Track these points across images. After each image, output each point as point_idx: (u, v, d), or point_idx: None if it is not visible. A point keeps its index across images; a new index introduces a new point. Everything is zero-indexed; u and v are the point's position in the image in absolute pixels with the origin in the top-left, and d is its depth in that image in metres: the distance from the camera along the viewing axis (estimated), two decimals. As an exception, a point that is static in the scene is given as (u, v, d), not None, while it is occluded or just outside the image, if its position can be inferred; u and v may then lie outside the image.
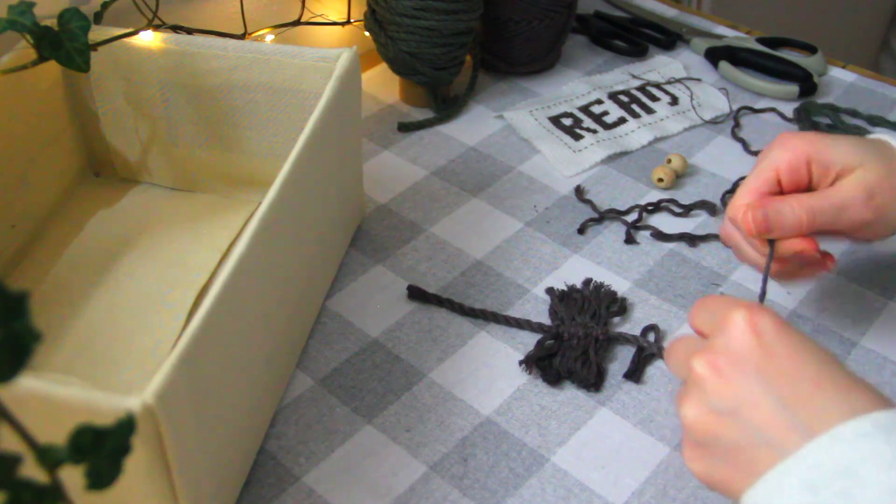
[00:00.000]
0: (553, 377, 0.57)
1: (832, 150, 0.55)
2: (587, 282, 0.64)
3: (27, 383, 0.37)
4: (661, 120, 0.81)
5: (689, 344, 0.46)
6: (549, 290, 0.63)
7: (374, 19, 0.77)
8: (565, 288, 0.63)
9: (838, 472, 0.38)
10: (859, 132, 0.78)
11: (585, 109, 0.81)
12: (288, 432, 0.55)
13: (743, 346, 0.42)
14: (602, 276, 0.65)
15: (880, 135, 0.57)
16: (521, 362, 0.58)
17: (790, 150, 0.55)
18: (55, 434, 0.28)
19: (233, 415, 0.48)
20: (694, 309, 0.48)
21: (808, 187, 0.56)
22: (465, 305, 0.62)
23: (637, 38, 0.91)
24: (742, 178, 0.66)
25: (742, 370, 0.42)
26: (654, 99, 0.83)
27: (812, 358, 0.42)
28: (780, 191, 0.56)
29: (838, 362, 0.42)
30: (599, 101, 0.82)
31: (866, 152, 0.55)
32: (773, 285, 0.65)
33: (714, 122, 0.81)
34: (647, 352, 0.59)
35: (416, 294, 0.63)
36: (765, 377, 0.41)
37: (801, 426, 0.40)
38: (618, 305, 0.62)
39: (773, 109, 0.82)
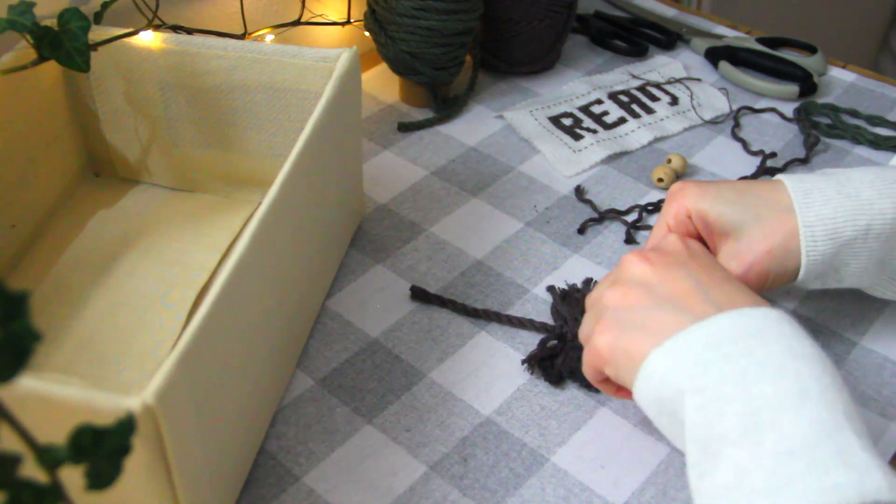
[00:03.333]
0: (555, 377, 0.57)
1: (711, 207, 0.55)
2: (587, 281, 0.63)
3: (27, 383, 0.37)
4: (661, 120, 0.81)
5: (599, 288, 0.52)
6: (551, 289, 0.63)
7: (374, 19, 0.77)
8: (566, 287, 0.63)
9: (744, 334, 0.43)
10: (859, 132, 0.78)
11: (585, 109, 0.81)
12: (288, 432, 0.55)
13: (672, 248, 0.50)
14: (602, 276, 0.65)
15: (781, 176, 0.57)
16: (523, 362, 0.58)
17: (675, 203, 0.57)
18: (55, 434, 0.28)
19: (233, 415, 0.48)
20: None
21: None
22: (468, 306, 0.62)
23: (637, 38, 0.91)
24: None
25: (667, 260, 0.48)
26: (654, 99, 0.83)
27: (729, 273, 0.49)
28: None
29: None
30: (599, 101, 0.82)
31: (745, 211, 0.55)
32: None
33: (714, 122, 0.81)
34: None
35: (420, 295, 0.63)
36: (687, 267, 0.48)
37: (714, 303, 0.45)
38: None
39: (773, 109, 0.82)
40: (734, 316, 0.44)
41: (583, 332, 0.52)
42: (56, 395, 0.37)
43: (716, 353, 0.43)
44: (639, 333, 0.46)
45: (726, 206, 0.55)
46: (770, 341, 0.43)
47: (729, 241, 0.55)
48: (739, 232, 0.55)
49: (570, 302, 0.61)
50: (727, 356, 0.42)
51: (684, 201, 0.56)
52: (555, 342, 0.59)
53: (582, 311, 0.60)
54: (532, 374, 0.58)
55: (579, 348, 0.58)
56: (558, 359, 0.58)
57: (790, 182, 0.55)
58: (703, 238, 0.57)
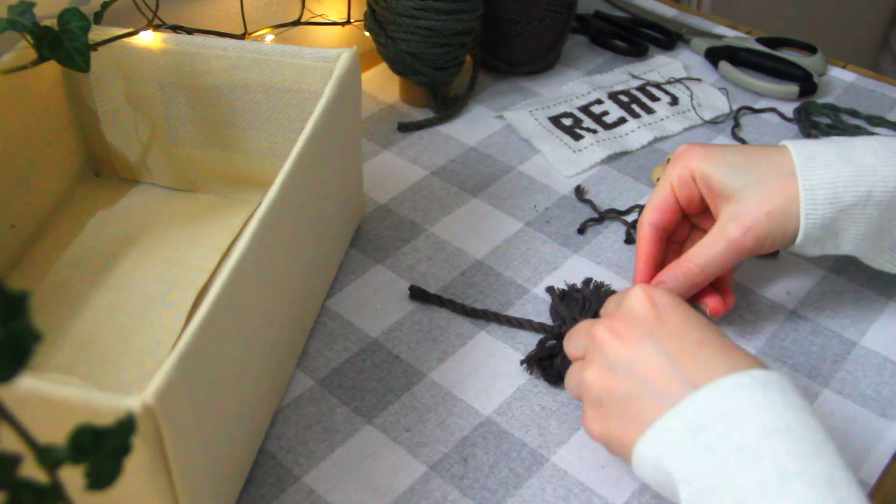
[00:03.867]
0: (554, 377, 0.57)
1: (715, 169, 0.56)
2: (587, 281, 0.63)
3: (27, 383, 0.37)
4: (661, 120, 0.81)
5: (589, 322, 0.51)
6: (550, 289, 0.63)
7: (374, 19, 0.77)
8: (565, 287, 0.63)
9: (718, 416, 0.42)
10: (859, 132, 0.78)
11: (585, 109, 0.81)
12: (288, 432, 0.55)
13: (639, 313, 0.47)
14: (602, 276, 0.65)
15: (786, 141, 0.58)
16: (522, 362, 0.58)
17: (682, 165, 0.58)
18: (55, 434, 0.28)
19: (233, 415, 0.48)
20: (607, 302, 0.53)
21: (703, 202, 0.59)
22: (467, 306, 0.62)
23: (637, 38, 0.91)
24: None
25: (637, 332, 0.47)
26: (654, 99, 0.83)
27: (699, 326, 0.47)
28: (677, 205, 0.59)
29: (722, 333, 0.47)
30: (599, 101, 0.82)
31: (748, 174, 0.56)
32: (773, 285, 0.65)
33: (714, 122, 0.81)
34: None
35: (418, 295, 0.63)
36: (656, 338, 0.46)
37: (687, 379, 0.44)
38: None
39: (773, 109, 0.82)
40: (708, 395, 0.43)
41: (570, 384, 0.52)
42: (56, 395, 0.37)
43: (695, 441, 0.42)
44: (624, 421, 0.46)
45: (730, 169, 0.56)
46: (745, 422, 0.42)
47: (730, 203, 0.56)
48: (740, 194, 0.56)
49: (569, 302, 0.61)
50: (706, 445, 0.42)
51: (689, 163, 0.57)
52: (553, 342, 0.59)
53: (581, 311, 0.61)
54: (531, 374, 0.58)
55: None
56: (557, 358, 0.58)
57: (794, 146, 0.56)
58: (703, 200, 0.59)
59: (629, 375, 0.46)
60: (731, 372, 0.43)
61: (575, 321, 0.59)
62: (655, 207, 0.60)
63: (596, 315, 0.61)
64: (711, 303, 0.59)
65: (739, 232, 0.55)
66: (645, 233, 0.60)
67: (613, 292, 0.63)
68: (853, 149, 0.56)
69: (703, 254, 0.57)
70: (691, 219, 0.62)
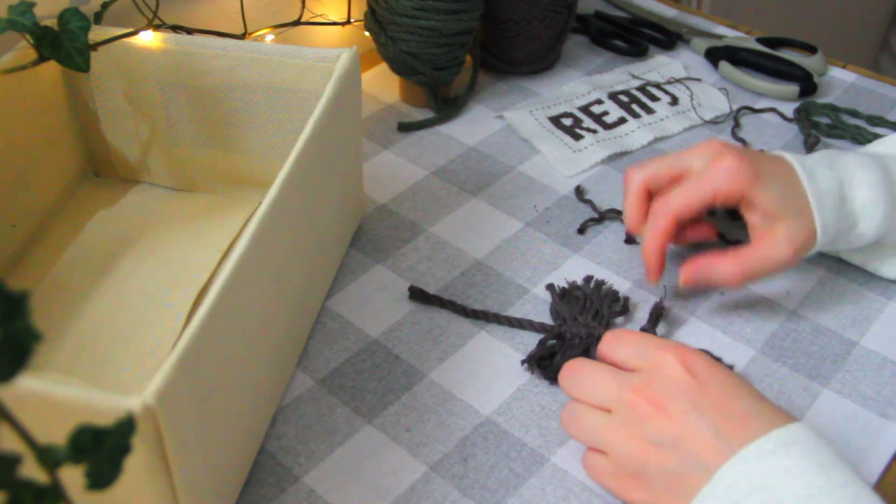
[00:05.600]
0: (554, 375, 0.57)
1: (764, 193, 0.58)
2: (588, 279, 0.63)
3: (27, 383, 0.37)
4: (661, 120, 0.81)
5: (608, 374, 0.50)
6: (550, 287, 0.63)
7: (374, 19, 0.77)
8: (566, 285, 0.63)
9: (751, 488, 0.43)
10: (859, 132, 0.78)
11: (585, 109, 0.81)
12: (288, 432, 0.55)
13: (680, 383, 0.47)
14: (602, 276, 0.65)
15: (795, 166, 0.60)
16: (522, 362, 0.58)
17: (732, 183, 0.58)
18: (55, 434, 0.28)
19: (233, 415, 0.48)
20: (611, 341, 0.52)
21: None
22: (467, 307, 0.62)
23: (637, 38, 0.91)
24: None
25: (680, 406, 0.46)
26: (654, 99, 0.83)
27: (741, 393, 0.47)
28: (708, 208, 0.60)
29: (759, 393, 0.48)
30: (599, 101, 0.82)
31: (792, 200, 0.58)
32: (773, 285, 0.65)
33: (714, 122, 0.81)
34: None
35: (418, 295, 0.63)
36: (701, 411, 0.46)
37: (727, 444, 0.44)
38: (620, 305, 0.62)
39: (773, 109, 0.82)
40: (736, 465, 0.44)
41: (578, 427, 0.51)
42: (56, 395, 0.37)
43: None
44: (669, 496, 0.46)
45: (776, 192, 0.58)
46: (780, 491, 0.42)
47: (779, 222, 0.58)
48: (789, 217, 0.58)
49: (570, 300, 0.61)
50: None
51: (742, 185, 0.58)
52: (554, 342, 0.59)
53: (581, 311, 0.61)
54: (532, 373, 0.58)
55: (578, 347, 0.58)
56: (556, 357, 0.58)
57: (806, 178, 0.59)
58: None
59: (676, 450, 0.46)
60: (757, 437, 0.44)
61: (576, 320, 0.60)
62: (687, 206, 0.59)
63: (597, 315, 0.61)
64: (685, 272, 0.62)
65: (792, 252, 0.58)
66: (666, 221, 0.60)
67: (615, 292, 0.63)
68: (850, 186, 0.59)
69: (750, 262, 0.59)
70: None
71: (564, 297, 0.62)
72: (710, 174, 0.59)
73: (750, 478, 0.43)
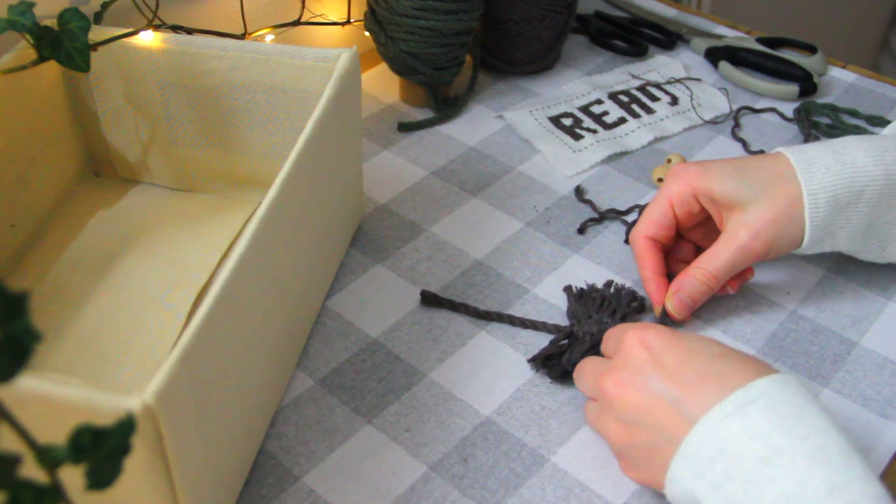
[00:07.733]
0: (558, 373, 0.57)
1: (717, 184, 0.59)
2: (609, 283, 0.63)
3: (27, 383, 0.37)
4: (661, 120, 0.81)
5: (594, 365, 0.53)
6: (567, 289, 0.63)
7: (374, 19, 0.77)
8: (584, 286, 0.63)
9: (713, 454, 0.43)
10: (859, 132, 0.78)
11: (585, 109, 0.81)
12: (288, 432, 0.55)
13: (637, 359, 0.48)
14: (602, 275, 0.65)
15: (780, 148, 0.60)
16: (529, 360, 0.58)
17: (680, 183, 0.60)
18: (55, 434, 0.28)
19: (233, 415, 0.48)
20: (605, 337, 0.55)
21: (702, 216, 0.62)
22: (479, 309, 0.62)
23: (637, 38, 0.91)
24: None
25: (639, 380, 0.48)
26: (654, 99, 0.83)
27: (697, 359, 0.47)
28: (675, 220, 0.62)
29: (723, 355, 0.47)
30: (599, 101, 0.82)
31: (750, 184, 0.59)
32: (773, 285, 0.65)
33: (714, 122, 0.81)
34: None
35: (430, 299, 0.62)
36: (658, 383, 0.47)
37: (687, 416, 0.45)
38: (638, 303, 0.62)
39: (773, 109, 0.82)
40: (698, 433, 0.44)
41: (593, 419, 0.53)
42: (56, 395, 0.37)
43: (705, 482, 0.44)
44: (651, 468, 0.48)
45: (730, 182, 0.59)
46: (740, 454, 0.43)
47: (735, 212, 0.59)
48: (746, 203, 0.58)
49: (586, 301, 0.61)
50: (715, 485, 0.43)
51: (689, 180, 0.60)
52: (565, 341, 0.59)
53: (597, 309, 0.60)
54: (537, 371, 0.58)
55: (586, 343, 0.58)
56: (564, 356, 0.57)
57: (791, 154, 0.59)
58: (696, 216, 0.61)
59: (643, 426, 0.47)
60: (719, 401, 0.44)
61: (590, 318, 0.59)
62: (653, 222, 0.62)
63: (615, 314, 0.60)
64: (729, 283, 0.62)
65: (749, 237, 0.58)
66: (644, 245, 0.62)
67: (633, 291, 0.62)
68: (846, 151, 0.58)
69: (716, 260, 0.59)
70: (682, 232, 0.64)
71: (581, 299, 0.62)
72: (662, 187, 0.62)
73: (711, 444, 0.44)
